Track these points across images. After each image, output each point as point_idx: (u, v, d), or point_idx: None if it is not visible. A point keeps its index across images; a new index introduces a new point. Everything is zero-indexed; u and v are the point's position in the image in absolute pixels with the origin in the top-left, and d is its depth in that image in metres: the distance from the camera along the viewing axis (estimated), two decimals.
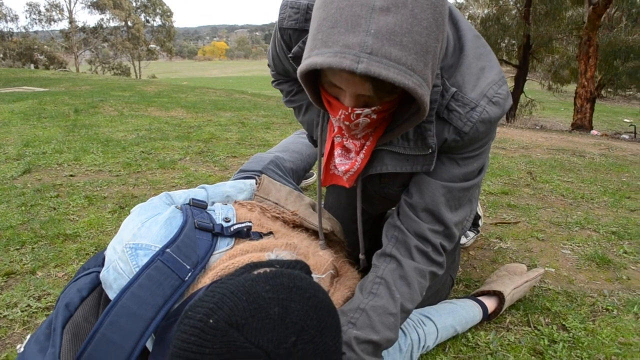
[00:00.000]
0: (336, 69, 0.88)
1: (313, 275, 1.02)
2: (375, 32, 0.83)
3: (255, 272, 0.85)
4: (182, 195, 1.29)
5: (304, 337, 0.74)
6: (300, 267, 0.93)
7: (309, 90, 1.04)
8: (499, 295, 1.61)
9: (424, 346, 1.36)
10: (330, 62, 0.85)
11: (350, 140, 1.18)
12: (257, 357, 0.70)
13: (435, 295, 1.54)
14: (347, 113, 1.00)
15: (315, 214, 1.38)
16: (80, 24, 43.14)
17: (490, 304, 1.60)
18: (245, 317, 0.73)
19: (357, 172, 1.23)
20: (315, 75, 1.02)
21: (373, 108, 1.00)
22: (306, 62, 0.90)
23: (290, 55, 1.17)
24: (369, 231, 1.38)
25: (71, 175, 3.11)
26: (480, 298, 1.62)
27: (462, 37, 1.13)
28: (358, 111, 1.00)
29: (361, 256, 1.38)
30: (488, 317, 1.59)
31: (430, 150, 1.13)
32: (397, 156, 1.18)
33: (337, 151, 1.24)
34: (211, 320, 0.73)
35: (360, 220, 1.32)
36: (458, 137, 1.12)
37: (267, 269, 0.86)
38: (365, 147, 1.18)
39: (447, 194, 1.20)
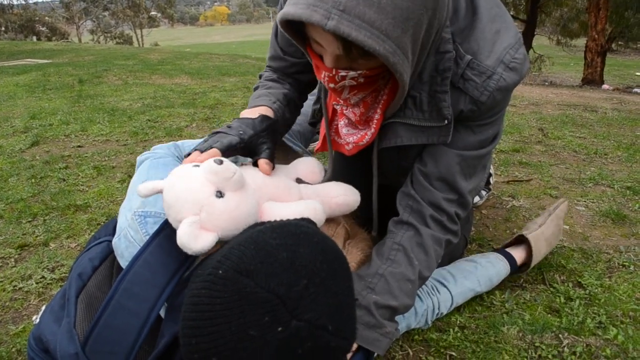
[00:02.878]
0: (307, 23, 0.84)
1: None
2: None
3: (262, 225, 0.85)
4: (189, 145, 1.26)
5: (315, 280, 0.73)
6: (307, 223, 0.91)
7: (303, 49, 1.01)
8: (523, 241, 1.56)
9: (437, 313, 1.35)
10: (300, 14, 0.81)
11: (350, 109, 1.14)
12: (268, 302, 0.69)
13: (448, 255, 1.53)
14: (330, 75, 0.96)
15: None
16: None
17: (518, 254, 1.55)
18: (254, 263, 0.72)
19: (366, 144, 1.20)
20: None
21: (359, 72, 0.95)
22: (282, 12, 0.86)
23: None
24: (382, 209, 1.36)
25: (79, 146, 3.11)
26: (507, 249, 1.58)
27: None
28: (342, 73, 0.95)
29: (373, 233, 1.36)
30: (519, 269, 1.55)
31: (446, 122, 1.09)
32: (412, 128, 1.14)
33: (343, 121, 1.20)
34: (220, 271, 0.72)
35: (376, 197, 1.30)
36: (475, 107, 1.08)
37: (273, 221, 0.86)
38: (375, 120, 1.14)
39: (462, 162, 1.16)
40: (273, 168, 1.09)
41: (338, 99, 1.11)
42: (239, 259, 0.73)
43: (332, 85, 1.00)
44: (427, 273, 1.19)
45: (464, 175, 1.18)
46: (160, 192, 0.92)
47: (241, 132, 1.08)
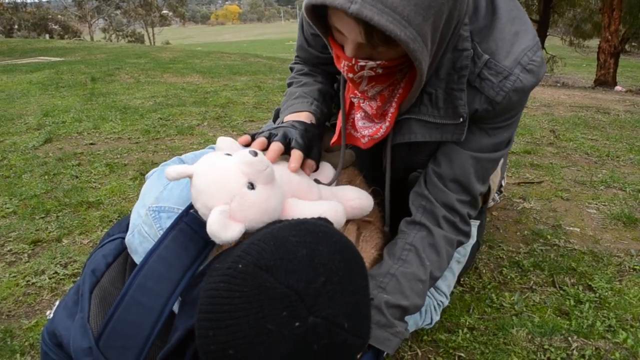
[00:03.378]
0: (331, 7, 0.85)
1: None
2: None
3: (282, 222, 0.86)
4: (192, 157, 1.28)
5: (333, 278, 0.73)
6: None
7: (325, 39, 1.02)
8: None
9: (438, 304, 1.35)
10: None
11: (367, 103, 1.15)
12: (287, 297, 0.70)
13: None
14: (350, 64, 0.97)
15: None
16: None
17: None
18: (274, 259, 0.73)
19: (381, 137, 1.20)
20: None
21: (378, 62, 0.96)
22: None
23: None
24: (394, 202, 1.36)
25: (91, 144, 3.13)
26: None
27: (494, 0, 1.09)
28: (362, 63, 0.96)
29: (386, 228, 1.36)
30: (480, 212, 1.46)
31: (461, 120, 1.10)
32: (427, 124, 1.14)
33: (360, 114, 1.21)
34: (240, 265, 0.73)
35: (389, 192, 1.30)
36: (490, 107, 1.09)
37: (293, 219, 0.87)
38: (390, 114, 1.15)
39: (476, 165, 1.17)
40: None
41: (356, 91, 1.12)
42: (259, 254, 0.74)
43: (350, 75, 1.01)
44: (438, 273, 1.19)
45: (477, 177, 1.19)
46: (189, 176, 0.93)
47: (302, 130, 1.13)
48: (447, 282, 1.38)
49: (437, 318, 1.34)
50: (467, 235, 1.25)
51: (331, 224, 0.91)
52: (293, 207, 1.00)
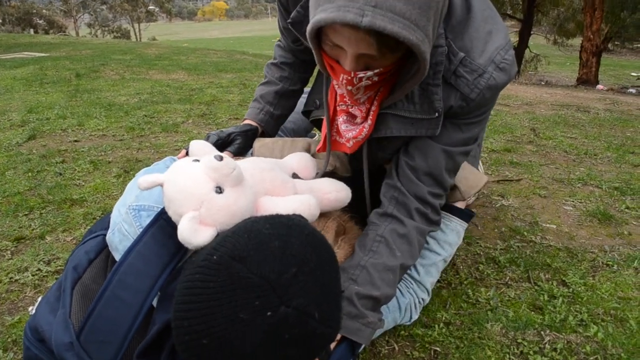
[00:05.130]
0: (339, 26, 0.86)
1: None
2: None
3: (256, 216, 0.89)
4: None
5: (304, 269, 0.76)
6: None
7: (316, 53, 1.02)
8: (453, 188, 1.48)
9: (420, 302, 1.37)
10: (334, 17, 0.83)
11: (356, 107, 1.18)
12: (259, 287, 0.73)
13: None
14: (349, 77, 0.99)
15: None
16: None
17: (460, 203, 1.51)
18: (247, 250, 0.76)
19: (365, 138, 1.23)
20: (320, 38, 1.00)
21: (375, 70, 0.98)
22: (313, 20, 0.89)
23: (289, 21, 1.15)
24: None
25: (75, 141, 3.13)
26: (451, 206, 1.49)
27: None
28: (360, 74, 0.98)
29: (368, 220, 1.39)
30: (470, 215, 1.50)
31: (436, 114, 1.13)
32: (402, 119, 1.17)
33: (342, 117, 1.23)
34: (214, 257, 0.76)
35: (368, 183, 1.33)
36: (464, 104, 1.12)
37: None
38: (372, 113, 1.17)
39: (448, 159, 1.21)
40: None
41: (347, 100, 1.14)
42: (233, 245, 0.77)
43: (350, 87, 1.03)
44: (410, 262, 1.22)
45: (448, 170, 1.23)
46: (160, 185, 0.95)
47: (221, 131, 1.40)
48: (432, 279, 1.40)
49: (416, 316, 1.37)
50: (438, 224, 1.29)
51: (305, 219, 0.94)
52: (266, 205, 1.02)
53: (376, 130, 1.22)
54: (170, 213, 0.94)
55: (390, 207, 1.24)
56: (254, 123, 1.54)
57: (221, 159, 0.92)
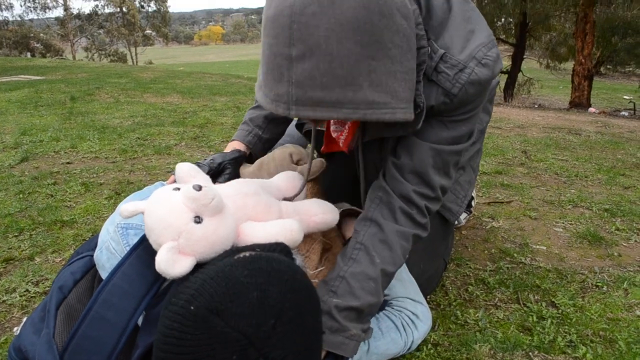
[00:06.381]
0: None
1: (295, 255, 1.05)
2: (296, 81, 0.88)
3: (235, 257, 0.88)
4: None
5: (283, 318, 0.77)
6: (280, 250, 0.95)
7: None
8: None
9: (418, 340, 1.34)
10: (270, 109, 0.94)
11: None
12: (237, 342, 0.73)
13: (428, 281, 1.55)
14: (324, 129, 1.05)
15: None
16: (75, 11, 42.69)
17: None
18: (225, 302, 0.76)
19: (348, 138, 1.25)
20: None
21: (346, 126, 1.06)
22: (258, 98, 0.99)
23: None
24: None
25: (68, 163, 3.13)
26: None
27: (449, 0, 1.13)
28: (334, 134, 1.07)
29: None
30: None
31: (418, 110, 1.10)
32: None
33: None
34: (192, 307, 0.76)
35: (364, 190, 1.33)
36: (447, 100, 1.11)
37: (247, 254, 0.89)
38: None
39: (436, 157, 1.19)
40: None
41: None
42: (211, 296, 0.77)
43: (334, 135, 1.09)
44: (391, 269, 1.19)
45: (436, 169, 1.20)
46: (142, 213, 0.96)
47: (212, 161, 1.38)
48: (415, 288, 1.38)
49: (417, 334, 1.32)
50: (425, 228, 1.25)
51: (288, 249, 0.95)
52: (247, 231, 1.02)
53: (367, 133, 1.24)
54: (151, 242, 0.94)
55: (372, 208, 1.22)
56: (241, 144, 1.55)
57: (200, 188, 0.92)
